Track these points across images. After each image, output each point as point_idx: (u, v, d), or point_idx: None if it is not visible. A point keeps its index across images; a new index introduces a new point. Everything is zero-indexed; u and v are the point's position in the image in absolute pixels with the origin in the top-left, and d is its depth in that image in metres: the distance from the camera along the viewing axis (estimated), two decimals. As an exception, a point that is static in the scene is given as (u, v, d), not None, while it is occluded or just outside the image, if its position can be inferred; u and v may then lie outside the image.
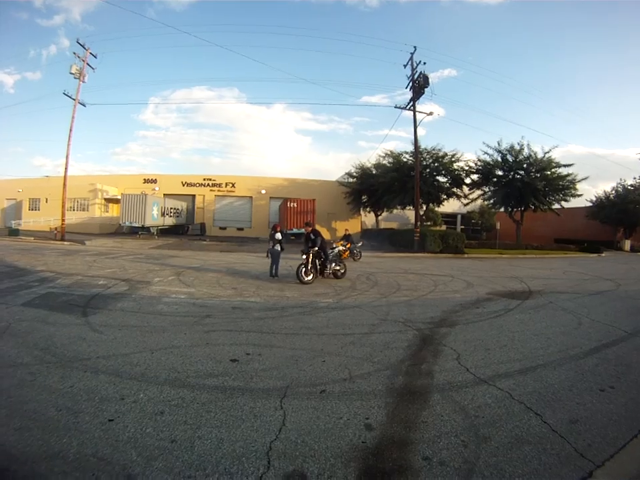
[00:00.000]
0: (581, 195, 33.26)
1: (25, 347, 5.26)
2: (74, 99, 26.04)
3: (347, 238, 18.73)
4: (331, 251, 13.01)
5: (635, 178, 39.90)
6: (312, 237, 12.34)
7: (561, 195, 32.26)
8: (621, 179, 40.43)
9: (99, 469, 2.72)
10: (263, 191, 43.07)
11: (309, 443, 3.20)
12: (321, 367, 4.99)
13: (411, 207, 32.56)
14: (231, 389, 4.19)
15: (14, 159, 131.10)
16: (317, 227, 23.84)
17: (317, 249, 12.04)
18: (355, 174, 40.79)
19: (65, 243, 24.05)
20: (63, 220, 26.31)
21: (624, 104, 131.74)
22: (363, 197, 40.33)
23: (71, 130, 26.17)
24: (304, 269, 11.79)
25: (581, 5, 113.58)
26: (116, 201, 38.83)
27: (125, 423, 3.36)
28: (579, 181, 32.06)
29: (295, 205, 31.50)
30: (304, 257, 11.94)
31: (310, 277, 11.83)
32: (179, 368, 4.74)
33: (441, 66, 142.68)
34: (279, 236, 12.77)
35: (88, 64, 26.33)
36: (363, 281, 12.87)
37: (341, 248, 14.09)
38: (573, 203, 34.08)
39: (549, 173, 31.22)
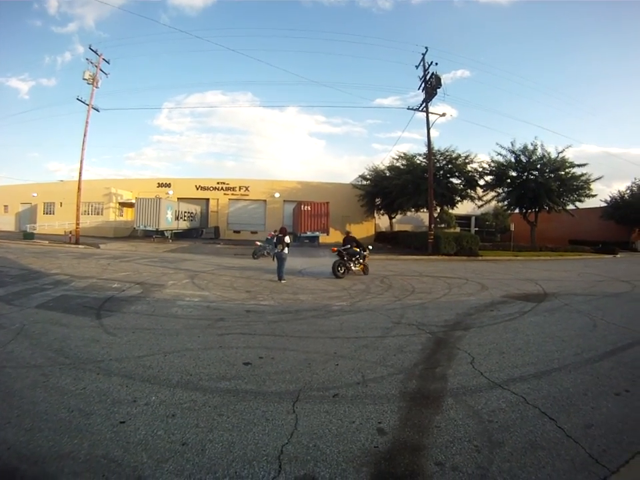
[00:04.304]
0: (596, 195, 32.70)
1: (39, 348, 5.32)
2: (87, 104, 26.38)
3: (350, 242, 15.25)
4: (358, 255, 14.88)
5: None
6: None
7: (575, 196, 31.73)
8: (635, 178, 39.44)
9: (109, 470, 2.73)
10: (277, 195, 43.09)
11: (321, 447, 3.18)
12: (334, 371, 4.96)
13: (425, 209, 32.32)
14: (244, 392, 4.19)
15: (30, 164, 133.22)
16: (331, 230, 23.72)
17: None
18: (368, 176, 40.67)
19: (80, 246, 24.33)
20: (78, 223, 26.64)
21: (638, 102, 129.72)
22: (377, 200, 40.15)
23: (85, 135, 26.54)
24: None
25: (596, 3, 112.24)
26: (130, 205, 39.21)
27: (137, 425, 3.37)
28: (593, 181, 31.53)
29: (309, 208, 31.39)
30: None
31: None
32: (191, 371, 4.75)
33: (453, 67, 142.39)
34: (287, 239, 12.83)
35: (101, 69, 26.70)
36: (377, 284, 12.82)
37: (366, 253, 15.36)
38: (588, 203, 33.55)
39: (563, 173, 30.73)
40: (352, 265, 14.51)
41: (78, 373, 4.50)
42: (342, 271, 14.08)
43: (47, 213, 41.77)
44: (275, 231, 13.48)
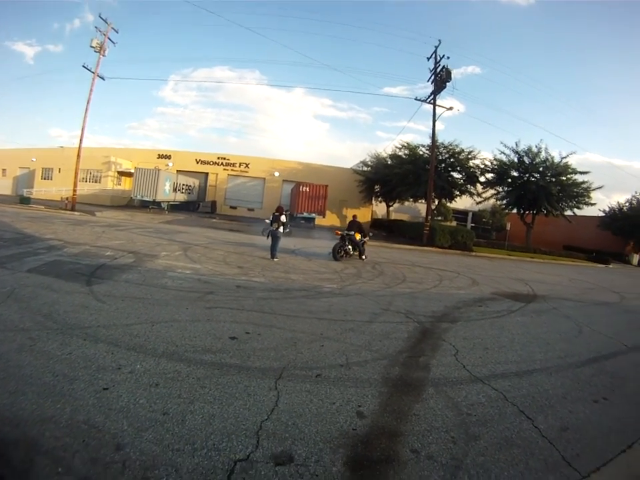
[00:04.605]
0: (595, 203, 32.82)
1: (28, 312, 5.30)
2: (93, 72, 26.01)
3: (355, 227, 15.21)
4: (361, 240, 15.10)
5: None
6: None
7: (575, 202, 31.83)
8: (636, 192, 39.55)
9: (90, 436, 2.75)
10: (277, 174, 42.83)
11: (300, 425, 3.22)
12: (318, 351, 5.02)
13: (423, 200, 32.33)
14: (227, 366, 4.23)
15: (32, 129, 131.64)
16: (328, 213, 23.79)
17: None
18: (369, 163, 40.57)
19: (76, 213, 24.14)
20: (75, 190, 26.42)
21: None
22: (376, 187, 40.06)
23: (88, 102, 26.21)
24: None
25: (611, 12, 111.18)
26: (129, 175, 38.97)
27: (119, 393, 3.40)
28: (593, 190, 31.64)
29: (307, 190, 31.24)
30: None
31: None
32: (177, 342, 4.77)
33: (464, 62, 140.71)
34: (283, 218, 12.84)
35: (109, 38, 26.23)
36: (369, 269, 12.91)
37: (366, 240, 15.53)
38: (586, 211, 33.65)
39: (564, 178, 30.81)
40: (351, 249, 14.74)
41: (65, 338, 4.50)
42: (341, 254, 14.39)
43: (44, 179, 41.41)
44: (281, 208, 13.30)
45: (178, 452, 2.69)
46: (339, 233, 14.95)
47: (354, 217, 16.18)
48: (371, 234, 16.40)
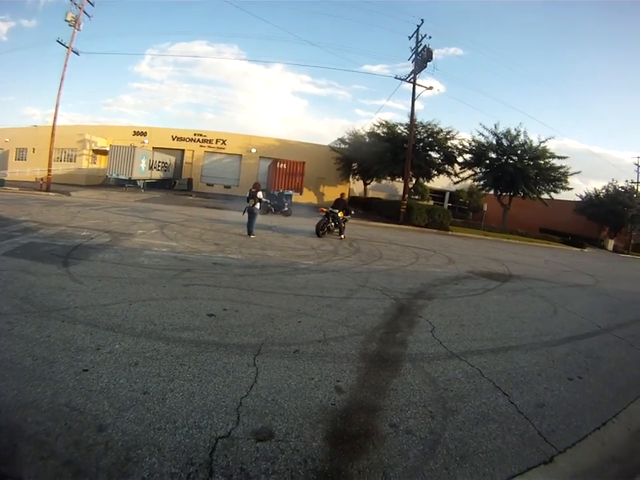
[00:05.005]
0: (572, 188, 33.59)
1: (4, 296, 5.16)
2: (67, 47, 25.04)
3: (341, 205, 15.67)
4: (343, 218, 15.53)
5: (627, 181, 40.25)
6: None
7: (552, 186, 32.45)
8: (613, 179, 40.72)
9: (71, 419, 2.73)
10: (254, 150, 42.21)
11: (279, 401, 3.26)
12: (296, 327, 5.07)
13: (401, 179, 32.44)
14: (206, 344, 4.24)
15: (4, 108, 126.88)
16: (305, 190, 23.99)
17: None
18: (347, 140, 40.30)
19: (51, 193, 23.52)
20: (49, 170, 25.65)
21: (627, 108, 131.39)
22: (354, 165, 39.85)
23: (62, 79, 25.20)
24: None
25: (597, 3, 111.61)
26: (104, 153, 37.92)
27: (99, 374, 3.37)
28: (570, 175, 32.31)
29: (284, 166, 30.85)
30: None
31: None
32: (155, 320, 4.75)
33: (447, 44, 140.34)
34: (260, 195, 12.79)
35: (85, 12, 25.12)
36: (346, 246, 13.03)
37: (347, 218, 15.94)
38: (562, 195, 34.40)
39: (542, 162, 31.30)
40: (334, 227, 15.16)
41: (43, 321, 4.42)
42: (324, 231, 14.82)
43: (18, 159, 40.02)
44: (258, 184, 13.20)
45: (160, 431, 2.70)
46: (324, 210, 15.33)
47: (342, 195, 16.72)
48: (353, 212, 16.50)
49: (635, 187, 39.24)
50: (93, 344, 3.94)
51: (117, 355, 3.74)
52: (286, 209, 22.44)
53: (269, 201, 21.65)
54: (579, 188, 51.19)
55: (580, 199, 40.59)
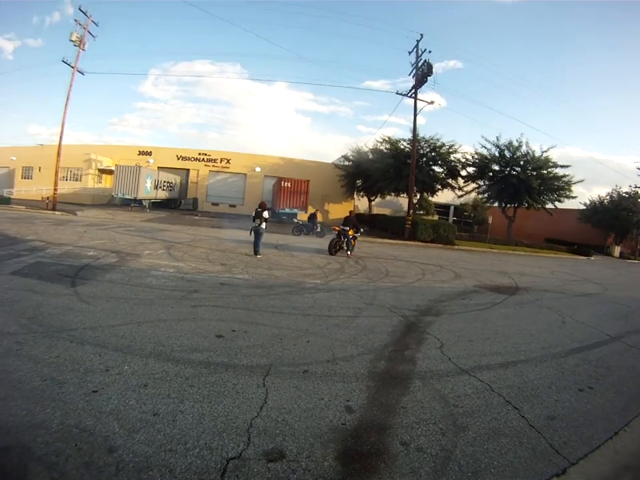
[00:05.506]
0: (575, 197, 33.38)
1: (12, 315, 5.21)
2: (72, 67, 25.52)
3: (350, 222, 15.69)
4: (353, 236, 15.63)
5: (630, 186, 40.00)
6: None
7: (555, 195, 32.37)
8: (616, 185, 40.46)
9: (81, 440, 2.74)
10: (258, 169, 42.55)
11: (290, 421, 3.25)
12: (304, 347, 5.05)
13: (405, 195, 32.51)
14: (215, 365, 4.23)
15: (10, 126, 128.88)
16: (310, 208, 24.52)
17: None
18: (351, 157, 40.48)
19: (57, 212, 23.74)
20: (56, 189, 25.96)
21: (627, 113, 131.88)
22: (358, 181, 40.07)
23: (68, 98, 25.71)
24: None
25: (595, 12, 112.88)
26: (110, 172, 38.41)
27: (109, 395, 3.38)
28: (574, 183, 32.23)
29: (289, 185, 31.14)
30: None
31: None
32: (164, 341, 4.76)
33: (446, 57, 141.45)
34: (266, 214, 12.75)
35: (89, 32, 25.71)
36: (352, 264, 12.99)
37: (357, 235, 16.05)
38: (567, 204, 34.30)
39: (545, 172, 31.27)
40: (345, 244, 15.14)
41: (51, 341, 4.45)
42: (336, 249, 14.97)
43: (25, 178, 40.61)
44: (264, 204, 13.24)
45: (171, 452, 2.70)
46: (337, 228, 15.48)
47: (350, 212, 16.68)
48: (362, 230, 16.60)
49: (639, 192, 39.06)
50: (102, 365, 3.95)
51: (127, 377, 3.75)
52: (319, 230, 22.60)
53: (300, 222, 23.31)
54: (583, 196, 51.25)
55: (584, 207, 40.47)
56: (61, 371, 3.74)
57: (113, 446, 2.71)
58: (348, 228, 15.20)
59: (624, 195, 39.05)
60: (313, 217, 23.35)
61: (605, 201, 39.61)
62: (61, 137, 26.15)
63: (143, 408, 3.23)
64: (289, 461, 2.75)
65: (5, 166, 42.17)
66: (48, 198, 26.49)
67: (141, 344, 4.62)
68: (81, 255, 10.07)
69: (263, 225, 12.67)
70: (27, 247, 10.57)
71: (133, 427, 2.96)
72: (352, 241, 15.29)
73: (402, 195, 36.34)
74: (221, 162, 43.12)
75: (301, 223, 23.22)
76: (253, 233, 12.69)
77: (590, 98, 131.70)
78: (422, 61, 25.74)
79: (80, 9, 25.02)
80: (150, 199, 33.14)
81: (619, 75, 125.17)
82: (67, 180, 37.25)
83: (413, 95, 26.67)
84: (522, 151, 31.99)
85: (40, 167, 38.75)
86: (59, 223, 17.77)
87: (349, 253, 15.05)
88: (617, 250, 38.65)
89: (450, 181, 34.32)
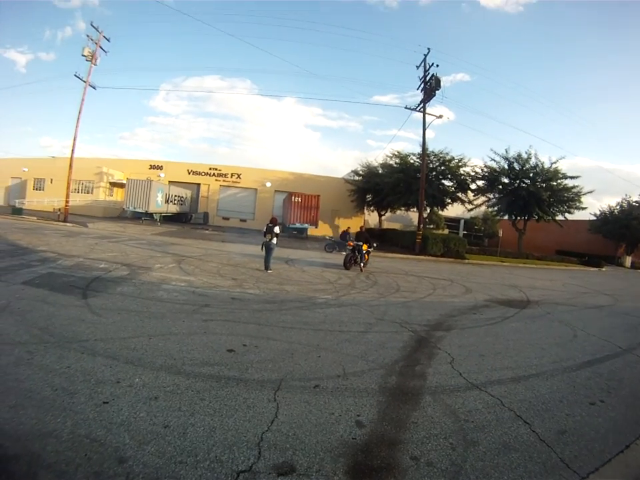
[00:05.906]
0: (586, 207, 33.14)
1: (24, 325, 5.29)
2: (84, 82, 26.03)
3: (363, 237, 16.18)
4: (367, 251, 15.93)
5: None
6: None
7: (566, 207, 32.18)
8: (626, 195, 40.00)
9: (92, 450, 2.76)
10: (268, 184, 42.80)
11: (300, 436, 3.25)
12: (315, 362, 5.04)
13: (415, 209, 32.48)
14: (226, 379, 4.24)
15: (22, 138, 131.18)
16: (320, 223, 24.49)
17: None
18: (361, 172, 40.58)
19: (68, 224, 24.06)
20: (67, 201, 26.33)
21: (635, 120, 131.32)
22: (368, 196, 40.01)
23: (79, 112, 26.19)
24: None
25: (599, 21, 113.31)
26: (121, 185, 38.82)
27: (120, 406, 3.41)
28: (584, 194, 31.96)
29: (299, 200, 31.32)
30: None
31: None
32: (175, 355, 4.78)
33: (453, 70, 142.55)
34: (277, 229, 12.76)
35: (101, 47, 26.29)
36: (363, 279, 12.94)
37: (371, 250, 16.35)
38: (577, 215, 33.97)
39: (554, 183, 31.12)
40: (359, 259, 15.37)
41: (62, 352, 4.50)
42: (350, 264, 15.20)
43: (36, 189, 41.29)
44: (275, 219, 13.26)
45: (181, 464, 2.71)
46: (351, 243, 15.94)
47: (361, 227, 17.30)
48: (375, 244, 16.72)
49: None
50: (113, 377, 3.98)
51: (137, 389, 3.78)
52: (266, 240, 22.59)
53: (333, 238, 24.05)
54: (593, 206, 50.70)
55: (595, 218, 40.10)
56: (72, 381, 3.78)
57: (123, 457, 2.72)
58: (361, 243, 15.51)
59: (634, 203, 38.56)
60: (345, 234, 22.14)
61: (615, 210, 39.16)
62: (72, 150, 26.55)
63: (154, 420, 3.25)
64: (299, 475, 2.75)
65: (17, 177, 42.94)
66: (59, 209, 26.88)
67: (152, 357, 4.65)
68: (92, 267, 10.19)
69: (274, 240, 12.68)
70: (39, 258, 10.72)
71: (144, 438, 2.97)
72: (365, 255, 15.44)
73: (412, 210, 36.32)
74: (231, 177, 43.39)
75: (333, 239, 23.41)
76: (264, 247, 12.71)
77: (596, 106, 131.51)
78: (430, 75, 25.84)
79: (92, 25, 25.67)
80: (161, 213, 33.39)
81: (623, 82, 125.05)
82: (78, 192, 37.69)
83: (422, 109, 26.74)
84: (531, 163, 31.91)
85: (51, 179, 39.54)
86: (70, 235, 18.00)
87: (362, 264, 15.24)
88: (629, 260, 38.18)
89: (460, 194, 34.20)
